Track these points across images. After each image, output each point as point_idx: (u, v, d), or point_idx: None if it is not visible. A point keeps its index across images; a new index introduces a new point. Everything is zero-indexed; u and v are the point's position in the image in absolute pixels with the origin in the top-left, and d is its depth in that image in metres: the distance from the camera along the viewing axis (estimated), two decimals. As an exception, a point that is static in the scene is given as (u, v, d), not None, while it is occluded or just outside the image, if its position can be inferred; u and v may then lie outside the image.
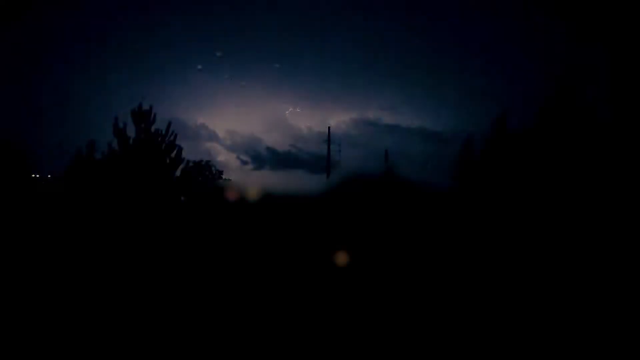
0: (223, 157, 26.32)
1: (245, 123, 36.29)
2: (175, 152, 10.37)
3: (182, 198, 10.76)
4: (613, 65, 12.51)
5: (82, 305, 4.59)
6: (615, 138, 10.92)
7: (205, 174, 14.81)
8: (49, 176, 12.17)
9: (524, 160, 11.85)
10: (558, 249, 7.09)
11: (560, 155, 11.08)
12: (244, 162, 24.38)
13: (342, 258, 6.68)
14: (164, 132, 10.30)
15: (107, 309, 4.49)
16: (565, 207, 9.25)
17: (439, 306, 4.96)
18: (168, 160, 10.32)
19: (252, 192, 9.88)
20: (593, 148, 11.03)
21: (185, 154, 10.66)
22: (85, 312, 4.40)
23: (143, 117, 10.19)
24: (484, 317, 4.67)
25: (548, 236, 7.80)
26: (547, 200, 9.92)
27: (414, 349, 3.96)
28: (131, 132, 10.15)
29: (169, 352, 3.76)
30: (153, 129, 10.20)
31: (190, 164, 11.67)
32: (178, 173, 10.55)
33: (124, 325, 4.17)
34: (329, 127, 21.10)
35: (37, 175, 11.92)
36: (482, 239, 8.05)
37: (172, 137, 10.37)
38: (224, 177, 15.38)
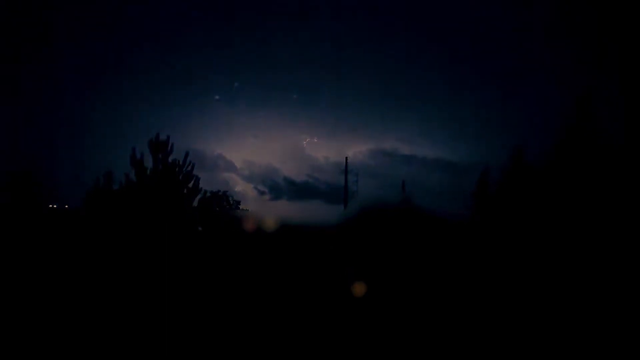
0: (240, 187, 26.29)
1: (262, 153, 36.34)
2: (192, 182, 10.37)
3: (200, 228, 10.68)
4: (629, 96, 12.47)
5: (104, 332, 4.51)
6: (631, 170, 10.77)
7: (223, 204, 14.76)
8: (66, 207, 12.24)
9: (541, 193, 11.68)
10: (572, 281, 6.91)
11: (578, 189, 10.92)
12: (262, 193, 24.35)
13: (360, 288, 6.54)
14: (181, 162, 10.30)
15: (127, 335, 4.41)
16: (583, 240, 9.05)
17: (455, 333, 4.84)
18: (185, 191, 10.29)
19: (270, 223, 9.79)
20: (610, 181, 10.87)
21: (202, 185, 10.65)
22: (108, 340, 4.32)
23: (160, 147, 10.21)
24: (499, 343, 4.56)
25: (563, 269, 7.62)
26: (564, 233, 9.73)
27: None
28: (148, 162, 10.15)
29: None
30: (170, 159, 10.21)
31: (208, 194, 11.66)
32: (195, 203, 10.50)
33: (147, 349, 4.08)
34: (346, 158, 21.09)
35: (55, 206, 11.99)
36: (497, 271, 7.87)
37: (189, 168, 10.38)
38: (241, 207, 15.32)
